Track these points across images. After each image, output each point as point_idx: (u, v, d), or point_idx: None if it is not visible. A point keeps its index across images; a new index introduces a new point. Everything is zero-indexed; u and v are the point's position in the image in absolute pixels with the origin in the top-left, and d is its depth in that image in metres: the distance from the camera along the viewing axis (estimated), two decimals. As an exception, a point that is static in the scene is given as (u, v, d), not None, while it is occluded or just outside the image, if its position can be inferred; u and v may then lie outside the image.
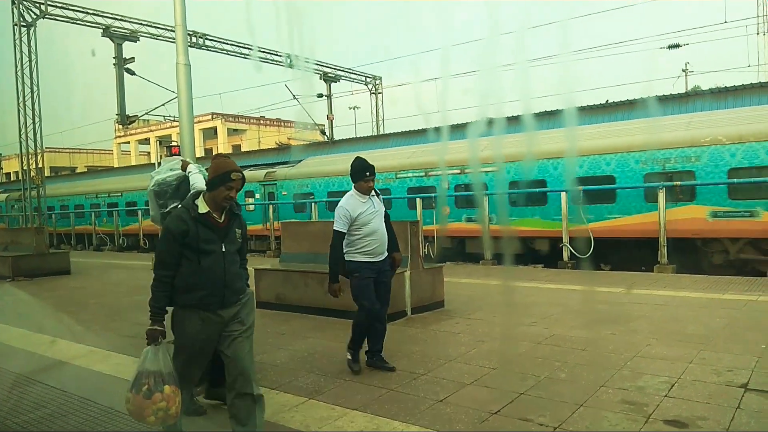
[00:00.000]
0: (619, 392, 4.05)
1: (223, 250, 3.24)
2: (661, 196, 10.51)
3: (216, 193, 3.24)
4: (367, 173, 4.75)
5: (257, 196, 19.88)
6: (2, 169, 54.73)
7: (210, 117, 49.39)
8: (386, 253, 4.86)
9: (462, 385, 4.34)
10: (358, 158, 4.84)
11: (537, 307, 7.26)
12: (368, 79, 28.64)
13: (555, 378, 4.43)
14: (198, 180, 4.24)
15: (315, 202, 16.57)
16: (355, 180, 4.82)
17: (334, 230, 4.73)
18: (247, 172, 19.73)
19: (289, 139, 46.73)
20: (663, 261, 10.51)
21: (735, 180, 10.48)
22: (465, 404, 3.96)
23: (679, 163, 11.25)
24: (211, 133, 50.78)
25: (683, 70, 31.53)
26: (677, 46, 22.08)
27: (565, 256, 11.60)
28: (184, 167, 4.47)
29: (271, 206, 18.13)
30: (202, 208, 3.24)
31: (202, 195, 3.32)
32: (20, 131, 20.84)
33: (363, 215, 4.71)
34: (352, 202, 4.76)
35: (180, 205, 3.40)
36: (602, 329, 5.89)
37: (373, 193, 4.86)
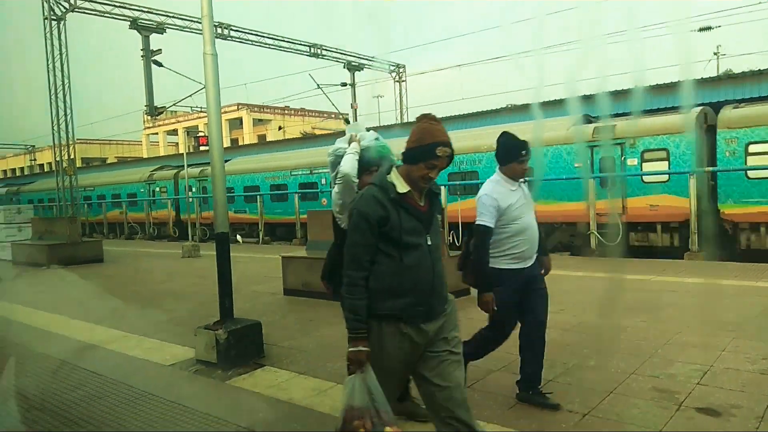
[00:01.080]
0: (649, 380, 4.00)
1: (428, 243, 2.50)
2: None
3: (413, 169, 2.47)
4: (523, 152, 3.61)
5: (194, 189, 22.92)
6: (36, 160, 56.20)
7: (236, 107, 49.89)
8: (535, 256, 3.76)
9: (489, 372, 4.34)
10: (506, 133, 3.72)
11: (564, 294, 7.18)
12: (392, 67, 28.50)
13: (584, 365, 4.40)
14: (347, 164, 3.30)
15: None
16: (506, 161, 3.66)
17: (480, 225, 3.54)
18: (185, 170, 20.20)
19: (313, 128, 46.95)
20: (693, 248, 10.31)
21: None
22: (492, 390, 3.96)
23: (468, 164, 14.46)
24: (236, 124, 51.33)
25: (715, 53, 30.64)
26: (709, 28, 21.46)
27: (593, 243, 11.46)
28: (350, 141, 3.47)
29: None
30: (401, 186, 2.47)
31: (394, 168, 2.57)
32: (52, 123, 21.35)
33: (513, 208, 3.59)
34: (500, 190, 3.61)
35: (372, 184, 2.56)
36: (632, 317, 5.81)
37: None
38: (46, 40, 20.07)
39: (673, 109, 12.92)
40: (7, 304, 8.46)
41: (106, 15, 20.23)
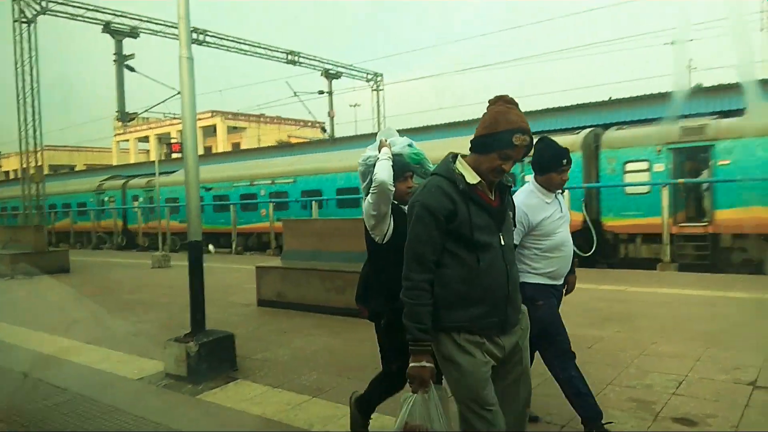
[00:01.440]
0: (626, 390, 4.00)
1: (502, 243, 2.20)
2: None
3: (483, 159, 2.16)
4: (564, 161, 3.27)
5: (141, 200, 23.74)
6: (1, 167, 54.65)
7: (210, 114, 49.36)
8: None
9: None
10: (545, 139, 3.34)
11: (540, 304, 7.21)
12: (369, 76, 28.55)
13: (561, 376, 4.38)
14: (382, 171, 2.91)
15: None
16: (544, 170, 3.29)
17: None
18: (132, 181, 21.75)
19: (290, 137, 46.73)
20: (666, 259, 10.47)
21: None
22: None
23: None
24: (210, 131, 50.74)
25: (686, 67, 31.45)
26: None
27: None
28: (380, 147, 3.09)
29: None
30: (470, 176, 2.17)
31: (459, 157, 2.26)
32: (20, 129, 20.78)
33: (548, 221, 3.24)
34: (532, 203, 3.26)
35: (435, 174, 2.26)
36: (607, 327, 5.84)
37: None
38: (15, 43, 19.57)
39: (574, 130, 13.96)
40: (-33, 315, 8.13)
41: (78, 18, 19.84)
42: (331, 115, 27.02)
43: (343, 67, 27.44)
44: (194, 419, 3.89)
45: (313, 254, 7.77)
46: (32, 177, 21.51)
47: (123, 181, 25.49)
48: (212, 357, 4.69)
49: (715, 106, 13.69)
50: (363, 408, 3.25)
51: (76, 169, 50.42)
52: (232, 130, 51.89)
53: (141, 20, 20.93)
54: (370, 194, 2.94)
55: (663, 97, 15.90)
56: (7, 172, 54.14)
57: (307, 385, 4.42)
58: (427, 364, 2.10)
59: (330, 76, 26.84)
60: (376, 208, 2.93)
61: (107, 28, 19.61)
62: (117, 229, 23.32)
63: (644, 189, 11.97)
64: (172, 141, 25.45)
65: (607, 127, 13.67)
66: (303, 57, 25.49)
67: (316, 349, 5.49)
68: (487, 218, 2.16)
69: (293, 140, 39.51)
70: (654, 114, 14.20)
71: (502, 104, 2.16)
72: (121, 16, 20.40)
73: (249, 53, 24.09)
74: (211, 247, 18.59)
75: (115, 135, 56.11)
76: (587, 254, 10.43)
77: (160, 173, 20.46)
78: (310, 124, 45.17)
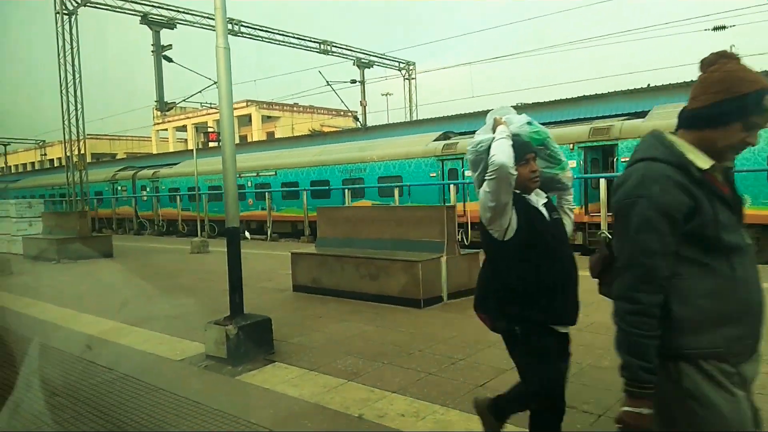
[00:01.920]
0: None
1: (748, 242, 1.73)
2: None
3: (719, 135, 1.67)
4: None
5: (147, 189, 25.88)
6: (46, 155, 56.59)
7: (245, 104, 49.99)
8: None
9: (501, 371, 4.29)
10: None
11: (576, 294, 7.13)
12: (402, 65, 28.43)
13: (598, 365, 4.34)
14: (501, 152, 2.50)
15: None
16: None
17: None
18: (141, 172, 24.32)
19: (322, 126, 46.98)
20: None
21: None
22: (504, 390, 3.90)
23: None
24: (245, 120, 51.43)
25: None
26: (723, 27, 21.22)
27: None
28: (494, 127, 2.69)
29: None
30: (701, 160, 1.68)
31: (670, 135, 1.76)
32: (63, 118, 21.49)
33: None
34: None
35: (649, 158, 1.71)
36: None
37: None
38: (57, 35, 20.18)
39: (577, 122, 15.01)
40: (18, 297, 8.50)
41: (117, 10, 20.32)
42: (363, 104, 27.04)
43: (375, 56, 27.40)
44: (234, 400, 4.01)
45: (347, 241, 7.86)
46: (75, 164, 22.23)
47: (133, 172, 27.60)
48: (250, 340, 4.81)
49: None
50: (498, 413, 2.92)
51: (117, 157, 51.85)
52: (266, 119, 52.49)
53: (178, 11, 21.31)
54: (486, 182, 2.53)
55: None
56: (51, 160, 56.06)
57: (342, 369, 4.49)
58: (645, 411, 1.64)
59: (362, 65, 26.84)
60: (495, 197, 2.48)
61: (145, 19, 20.02)
62: (157, 216, 23.95)
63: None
64: (210, 130, 25.91)
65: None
66: (335, 46, 25.55)
67: (350, 335, 5.56)
68: (729, 213, 1.68)
69: (326, 129, 39.70)
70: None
71: (729, 61, 1.67)
72: (158, 7, 20.80)
73: (282, 43, 24.28)
74: (247, 234, 18.96)
75: (154, 124, 57.41)
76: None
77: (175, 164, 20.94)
78: (342, 113, 45.31)
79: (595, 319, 5.74)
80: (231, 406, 3.83)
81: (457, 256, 7.15)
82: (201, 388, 4.30)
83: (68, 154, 22.14)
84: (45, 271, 11.87)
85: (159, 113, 30.15)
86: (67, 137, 21.68)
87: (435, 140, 16.23)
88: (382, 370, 4.46)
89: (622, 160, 12.24)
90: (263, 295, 7.71)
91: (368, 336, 5.49)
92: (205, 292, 8.36)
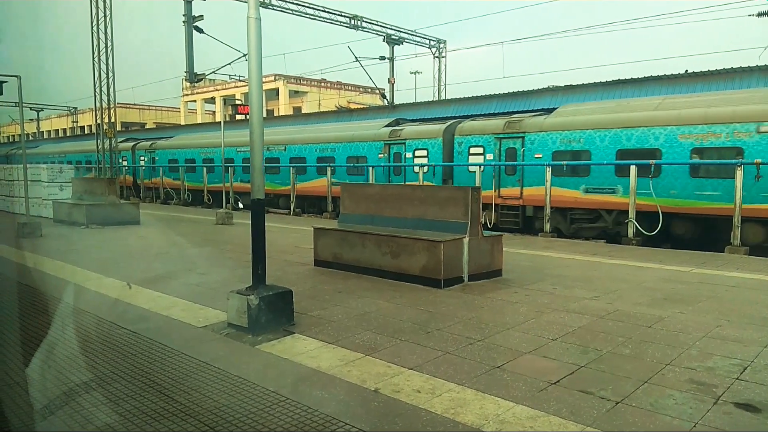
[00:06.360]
0: (686, 371, 3.89)
1: None
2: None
3: None
4: None
5: (144, 159, 28.27)
6: (78, 122, 57.60)
7: (273, 78, 49.95)
8: None
9: (519, 354, 4.28)
10: None
11: (600, 281, 7.05)
12: (432, 42, 28.03)
13: (618, 353, 4.30)
14: None
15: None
16: None
17: None
18: (140, 144, 26.46)
19: (349, 102, 46.76)
20: (735, 242, 9.95)
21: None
22: (522, 372, 3.90)
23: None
24: (272, 95, 51.46)
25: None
26: (767, 13, 20.38)
27: (630, 232, 11.18)
28: None
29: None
30: None
31: None
32: (95, 86, 21.78)
33: None
34: None
35: None
36: (669, 307, 5.65)
37: None
38: (90, 3, 20.35)
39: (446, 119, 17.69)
40: (47, 259, 8.74)
41: (150, -21, 20.33)
42: (391, 82, 26.80)
43: (405, 32, 27.04)
44: (253, 368, 4.07)
45: (369, 218, 7.87)
46: (105, 132, 22.58)
47: (133, 144, 29.64)
48: (271, 310, 4.87)
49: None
50: None
51: (147, 127, 52.50)
52: (293, 94, 52.43)
53: (210, -19, 21.22)
54: None
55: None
56: (82, 127, 57.06)
57: (360, 344, 4.53)
58: None
59: (392, 41, 26.53)
60: None
61: (178, -12, 20.02)
62: (184, 186, 24.28)
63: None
64: (238, 102, 26.01)
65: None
66: (366, 21, 25.27)
67: (369, 311, 5.60)
68: None
69: (352, 106, 39.52)
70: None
71: None
72: (191, -23, 20.74)
73: (313, 17, 24.10)
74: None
75: (183, 95, 57.86)
76: (652, 234, 10.99)
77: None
78: (370, 90, 45.03)
79: (618, 308, 5.68)
80: (250, 374, 3.90)
81: (480, 238, 7.11)
82: (221, 354, 4.38)
83: (98, 121, 22.48)
84: (73, 235, 12.16)
85: (188, 84, 30.30)
86: (98, 105, 21.98)
87: (385, 126, 18.37)
88: (399, 346, 4.49)
89: (529, 150, 14.20)
90: (285, 268, 7.79)
91: (387, 312, 5.51)
92: (228, 262, 8.48)
